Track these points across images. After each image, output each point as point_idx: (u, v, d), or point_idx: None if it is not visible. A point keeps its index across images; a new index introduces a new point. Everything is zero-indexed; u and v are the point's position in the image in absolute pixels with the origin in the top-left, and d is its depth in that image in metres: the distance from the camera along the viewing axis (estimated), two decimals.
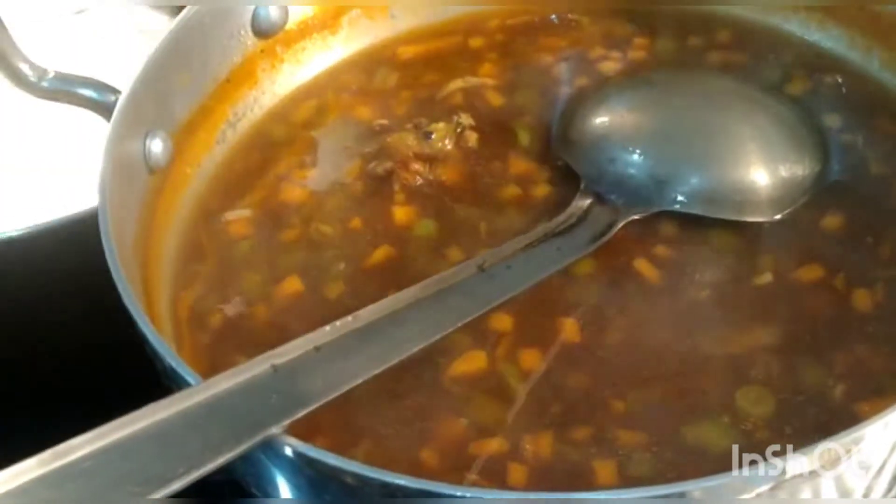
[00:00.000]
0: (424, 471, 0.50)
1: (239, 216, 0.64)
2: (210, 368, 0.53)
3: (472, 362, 0.54)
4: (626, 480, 0.49)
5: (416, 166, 0.64)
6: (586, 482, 0.49)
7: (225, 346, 0.57)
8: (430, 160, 0.65)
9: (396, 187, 0.64)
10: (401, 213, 0.62)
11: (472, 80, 0.71)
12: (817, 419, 0.51)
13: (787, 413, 0.51)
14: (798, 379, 0.52)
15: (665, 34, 0.73)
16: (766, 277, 0.57)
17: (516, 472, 0.50)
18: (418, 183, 0.64)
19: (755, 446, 0.47)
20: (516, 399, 0.52)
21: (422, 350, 0.51)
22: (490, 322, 0.55)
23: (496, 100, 0.70)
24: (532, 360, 0.54)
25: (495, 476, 0.49)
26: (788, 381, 0.52)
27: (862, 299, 0.56)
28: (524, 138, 0.66)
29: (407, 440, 0.51)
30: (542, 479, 0.49)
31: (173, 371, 0.48)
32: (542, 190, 0.63)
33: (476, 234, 0.61)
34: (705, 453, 0.49)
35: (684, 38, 0.72)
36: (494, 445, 0.50)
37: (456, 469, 0.50)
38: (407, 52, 0.74)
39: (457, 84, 0.71)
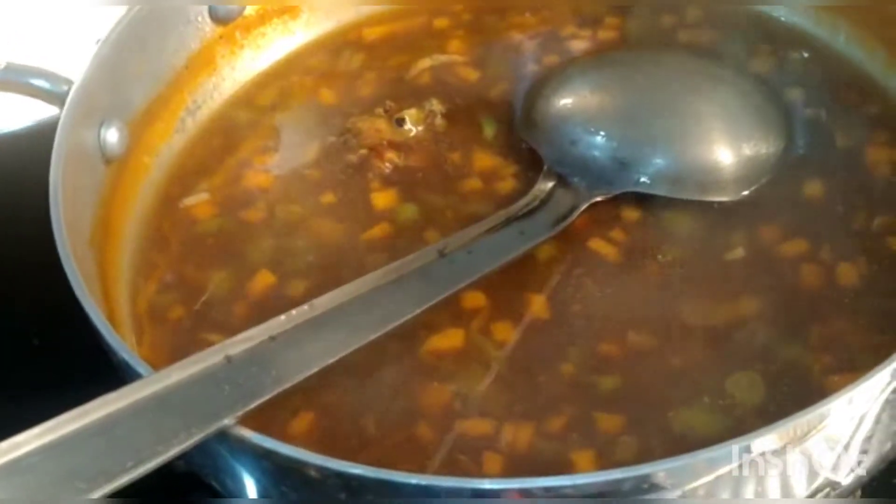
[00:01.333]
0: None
1: (198, 200, 0.63)
2: (172, 359, 0.51)
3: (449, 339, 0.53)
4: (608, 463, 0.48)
5: (390, 154, 0.63)
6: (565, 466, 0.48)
7: (188, 335, 0.56)
8: (402, 147, 0.64)
9: (370, 175, 0.63)
10: (380, 199, 0.62)
11: (440, 58, 0.70)
12: (798, 395, 0.50)
13: (772, 391, 0.50)
14: (776, 355, 0.52)
15: (637, 13, 0.72)
16: (738, 253, 0.56)
17: (491, 461, 0.49)
18: (389, 170, 0.63)
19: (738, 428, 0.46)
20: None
21: (381, 336, 0.50)
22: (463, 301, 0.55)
23: (466, 77, 0.69)
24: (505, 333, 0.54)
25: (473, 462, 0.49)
26: (767, 357, 0.52)
27: (845, 272, 0.55)
28: (489, 129, 0.65)
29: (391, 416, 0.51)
30: (520, 466, 0.49)
31: (126, 364, 0.47)
32: (508, 181, 0.62)
33: (446, 219, 0.60)
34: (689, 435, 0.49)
35: (656, 17, 0.71)
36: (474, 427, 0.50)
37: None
38: (372, 33, 0.73)
39: (425, 63, 0.70)
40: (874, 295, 0.54)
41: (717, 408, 0.50)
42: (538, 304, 0.55)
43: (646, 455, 0.48)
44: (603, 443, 0.49)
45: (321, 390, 0.50)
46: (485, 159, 0.63)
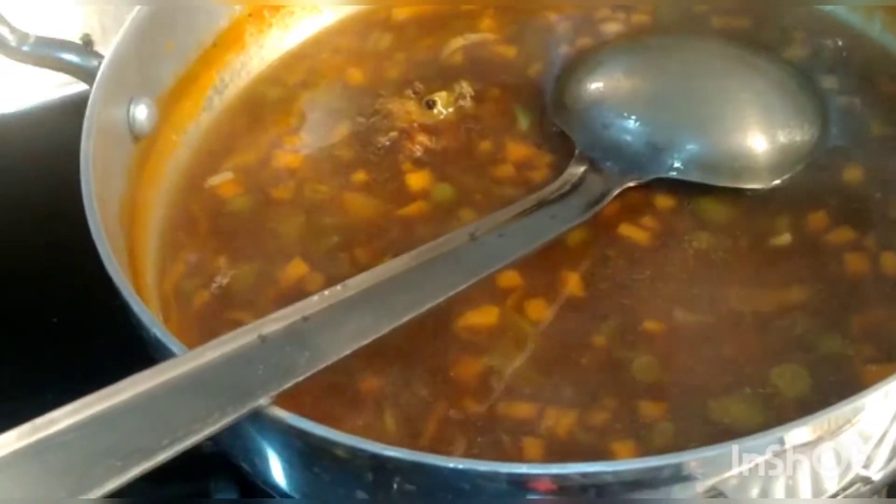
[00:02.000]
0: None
1: (223, 179, 0.63)
2: (199, 340, 0.51)
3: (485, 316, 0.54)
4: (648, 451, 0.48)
5: (421, 137, 0.63)
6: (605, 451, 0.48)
7: (215, 316, 0.56)
8: (433, 130, 0.64)
9: (401, 156, 0.62)
10: (415, 180, 0.61)
11: (472, 37, 0.70)
12: (842, 388, 0.49)
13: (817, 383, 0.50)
14: (819, 346, 0.52)
15: None
16: (781, 240, 0.56)
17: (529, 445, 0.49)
18: (420, 152, 0.63)
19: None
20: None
21: (411, 319, 0.50)
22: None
23: (502, 53, 0.69)
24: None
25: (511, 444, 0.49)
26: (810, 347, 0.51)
27: (887, 261, 0.55)
28: (524, 120, 0.64)
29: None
30: (558, 450, 0.49)
31: (158, 341, 0.47)
32: (542, 170, 0.61)
33: (480, 200, 0.60)
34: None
35: (690, 2, 0.70)
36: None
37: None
38: (402, 13, 0.72)
39: (457, 42, 0.69)
40: None
41: (758, 398, 0.49)
42: (573, 283, 0.55)
43: (683, 443, 0.48)
44: (641, 429, 0.49)
45: (354, 365, 0.50)
46: (518, 149, 0.63)
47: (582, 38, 0.70)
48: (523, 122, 0.64)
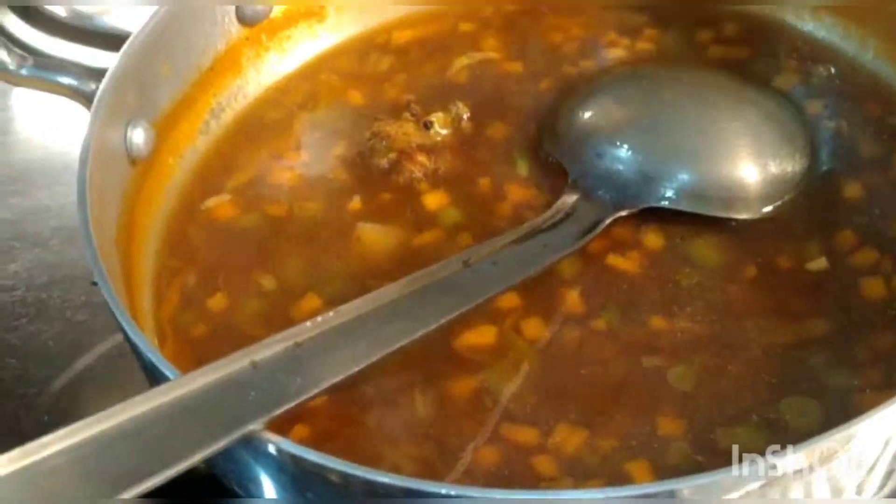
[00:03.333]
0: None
1: (220, 201, 0.63)
2: (195, 366, 0.52)
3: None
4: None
5: (421, 158, 0.63)
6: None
7: (212, 342, 0.56)
8: (432, 151, 0.64)
9: (401, 179, 0.63)
10: (429, 200, 0.61)
11: (476, 56, 0.70)
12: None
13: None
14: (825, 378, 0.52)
15: (676, 26, 0.71)
16: (777, 265, 0.57)
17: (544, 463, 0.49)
18: (421, 174, 0.63)
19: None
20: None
21: (405, 345, 0.50)
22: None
23: (508, 70, 0.69)
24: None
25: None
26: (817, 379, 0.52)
27: (873, 286, 0.55)
28: (523, 166, 0.64)
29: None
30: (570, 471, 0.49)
31: (153, 365, 0.47)
32: (534, 191, 0.62)
33: (477, 225, 0.60)
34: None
35: (694, 31, 0.70)
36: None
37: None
38: (402, 36, 0.73)
39: (462, 62, 0.70)
40: None
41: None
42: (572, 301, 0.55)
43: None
44: (652, 451, 0.49)
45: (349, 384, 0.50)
46: (517, 191, 0.62)
47: (586, 60, 0.70)
48: (526, 174, 0.63)
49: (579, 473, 0.49)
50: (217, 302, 0.58)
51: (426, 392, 0.52)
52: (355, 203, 0.62)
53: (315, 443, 0.47)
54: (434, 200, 0.62)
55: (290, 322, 0.52)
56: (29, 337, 0.66)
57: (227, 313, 0.58)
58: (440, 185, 0.63)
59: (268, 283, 0.58)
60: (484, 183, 0.63)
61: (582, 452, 0.49)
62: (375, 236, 0.60)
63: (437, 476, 0.48)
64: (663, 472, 0.48)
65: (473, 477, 0.49)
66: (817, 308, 0.55)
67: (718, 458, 0.48)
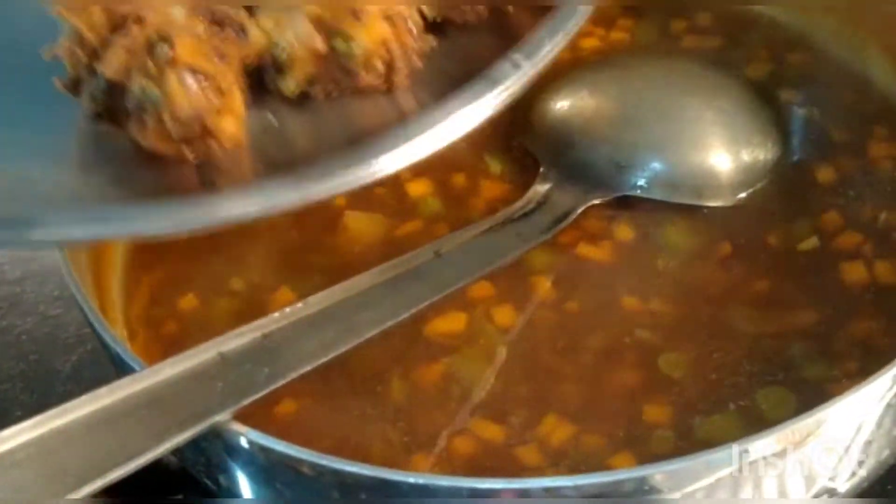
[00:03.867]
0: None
1: None
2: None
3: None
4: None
5: None
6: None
7: (184, 335, 0.55)
8: None
9: None
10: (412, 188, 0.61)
11: None
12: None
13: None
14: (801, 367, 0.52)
15: (650, 16, 0.71)
16: (725, 254, 0.57)
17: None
18: None
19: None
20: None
21: (375, 335, 0.50)
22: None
23: None
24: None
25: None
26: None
27: (855, 270, 0.55)
28: (496, 166, 0.63)
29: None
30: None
31: (120, 359, 0.47)
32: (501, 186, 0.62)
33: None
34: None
35: (668, 21, 0.70)
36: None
37: None
38: None
39: None
40: (888, 293, 0.54)
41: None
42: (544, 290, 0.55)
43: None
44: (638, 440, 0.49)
45: (316, 374, 0.49)
46: (492, 188, 0.62)
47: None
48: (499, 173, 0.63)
49: (556, 461, 0.48)
50: (188, 301, 0.57)
51: (398, 378, 0.52)
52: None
53: (284, 427, 0.47)
54: (419, 188, 0.61)
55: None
56: (2, 332, 0.66)
57: (199, 310, 0.57)
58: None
59: (237, 284, 0.58)
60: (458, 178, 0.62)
61: (553, 438, 0.49)
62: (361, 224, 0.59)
63: (408, 465, 0.48)
64: (645, 459, 0.47)
65: (446, 466, 0.48)
66: (796, 292, 0.55)
67: (696, 447, 0.47)
